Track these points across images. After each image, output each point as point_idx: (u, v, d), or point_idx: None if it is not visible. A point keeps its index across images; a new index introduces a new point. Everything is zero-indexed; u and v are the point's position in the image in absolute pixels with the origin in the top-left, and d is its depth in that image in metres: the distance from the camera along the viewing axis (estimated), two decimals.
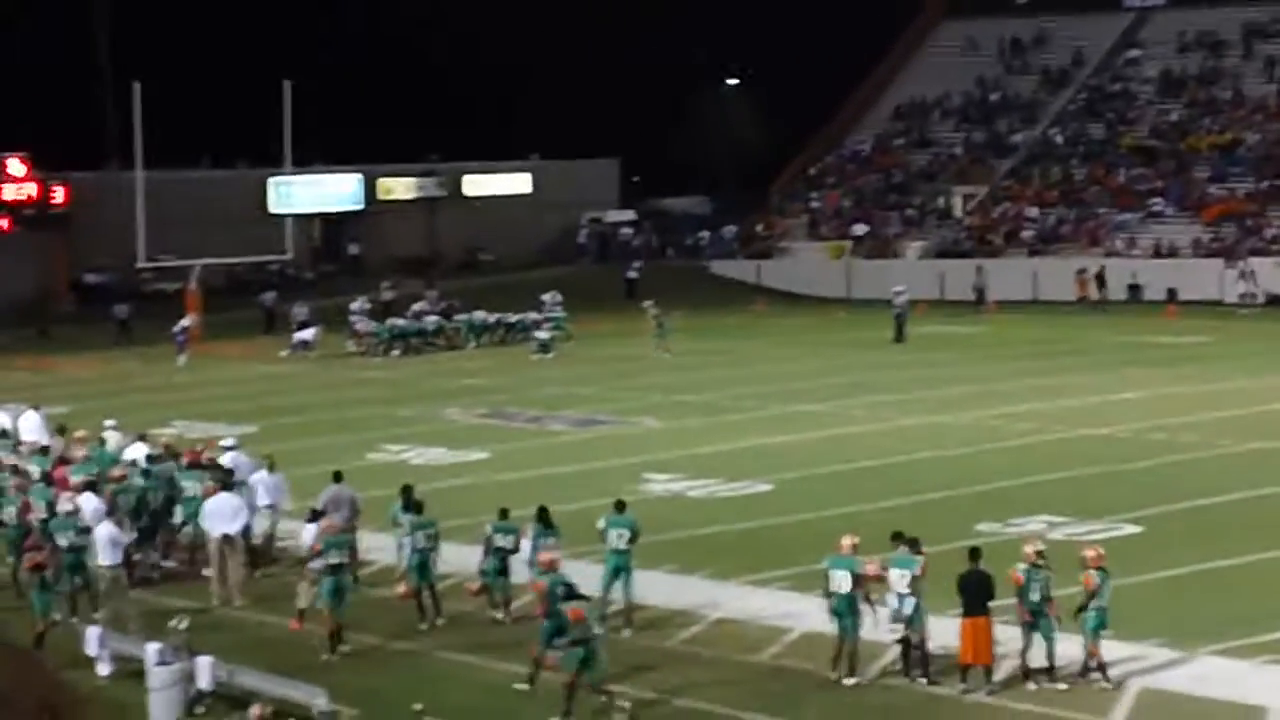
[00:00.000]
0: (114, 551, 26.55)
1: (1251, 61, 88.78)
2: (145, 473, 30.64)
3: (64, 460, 31.97)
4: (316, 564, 25.23)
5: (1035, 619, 22.06)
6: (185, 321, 62.40)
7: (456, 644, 24.92)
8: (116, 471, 30.46)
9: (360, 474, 30.89)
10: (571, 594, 22.35)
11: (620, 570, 25.50)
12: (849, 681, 22.58)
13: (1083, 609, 22.14)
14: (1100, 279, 71.98)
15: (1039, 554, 22.39)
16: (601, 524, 25.80)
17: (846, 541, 23.07)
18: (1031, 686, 22.14)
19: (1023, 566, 22.22)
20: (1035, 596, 22.03)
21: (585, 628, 21.80)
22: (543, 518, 25.95)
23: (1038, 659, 22.20)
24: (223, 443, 32.87)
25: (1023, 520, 30.96)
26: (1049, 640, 22.10)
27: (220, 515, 28.21)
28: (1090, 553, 22.76)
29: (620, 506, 26.16)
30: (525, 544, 25.58)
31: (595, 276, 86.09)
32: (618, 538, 25.51)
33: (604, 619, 23.24)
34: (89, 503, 28.21)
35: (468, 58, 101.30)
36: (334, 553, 25.13)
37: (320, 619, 25.01)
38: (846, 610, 22.60)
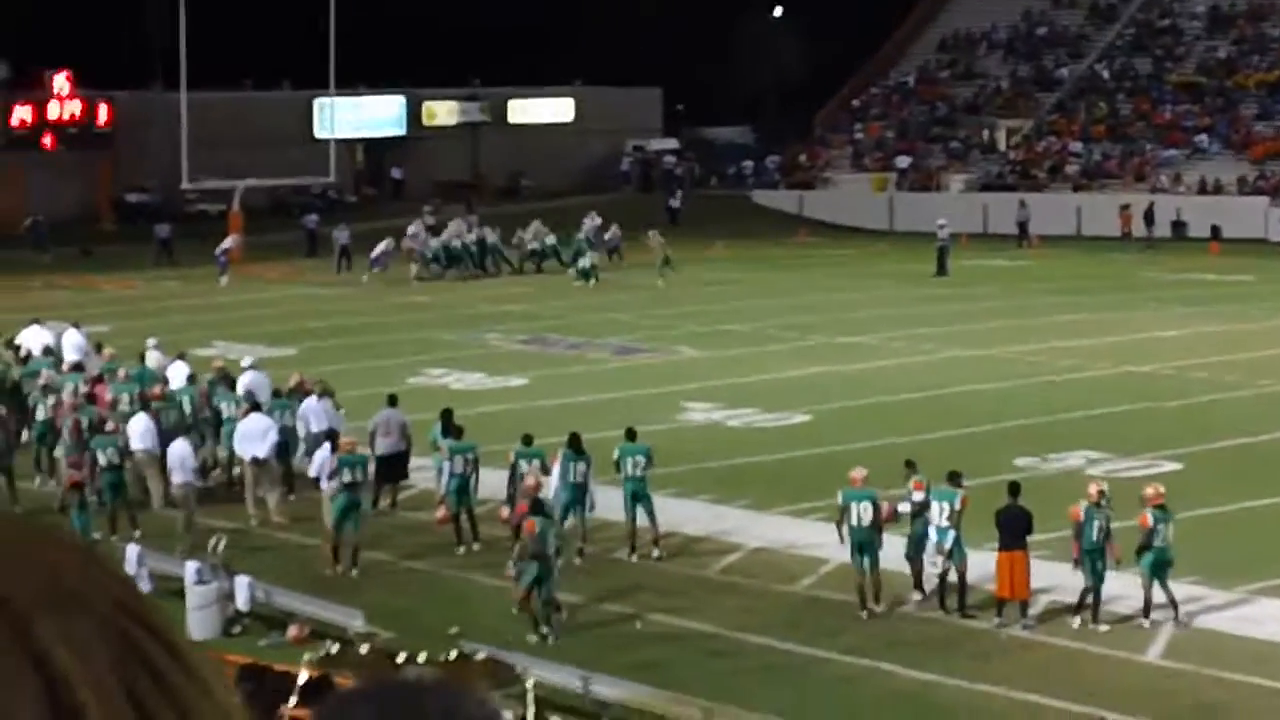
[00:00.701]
0: (185, 470, 26.78)
1: None
2: (170, 395, 30.78)
3: (100, 379, 32.08)
4: (333, 483, 25.34)
5: (1091, 557, 21.97)
6: (227, 243, 62.39)
7: (492, 568, 24.99)
8: (156, 389, 30.63)
9: (401, 398, 30.90)
10: (536, 510, 22.44)
11: (638, 496, 25.63)
12: (877, 609, 22.68)
13: (1145, 549, 22.02)
14: (1148, 216, 71.54)
15: (1101, 493, 22.31)
16: (616, 454, 25.90)
17: (858, 474, 23.14)
18: (1075, 622, 22.12)
19: (1085, 504, 22.14)
20: (1094, 536, 21.94)
21: (538, 543, 21.87)
22: (574, 444, 25.97)
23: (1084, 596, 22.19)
24: (243, 363, 33.05)
25: (1062, 456, 30.90)
26: (1099, 580, 22.02)
27: (250, 437, 28.28)
28: (1150, 491, 22.65)
29: (631, 435, 26.34)
30: (556, 469, 25.63)
31: (638, 205, 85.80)
32: (633, 465, 25.66)
33: (568, 541, 23.54)
34: (139, 422, 28.36)
35: None
36: (348, 471, 25.24)
37: (328, 535, 25.31)
38: (868, 541, 22.64)
